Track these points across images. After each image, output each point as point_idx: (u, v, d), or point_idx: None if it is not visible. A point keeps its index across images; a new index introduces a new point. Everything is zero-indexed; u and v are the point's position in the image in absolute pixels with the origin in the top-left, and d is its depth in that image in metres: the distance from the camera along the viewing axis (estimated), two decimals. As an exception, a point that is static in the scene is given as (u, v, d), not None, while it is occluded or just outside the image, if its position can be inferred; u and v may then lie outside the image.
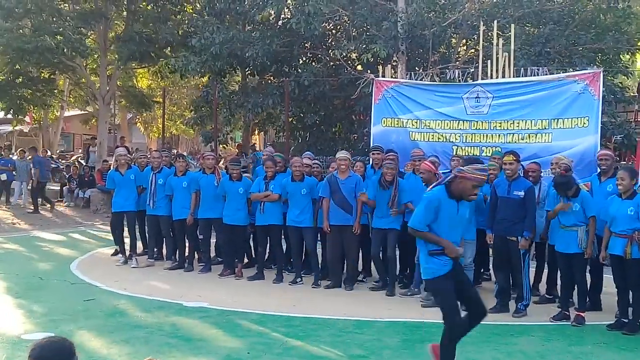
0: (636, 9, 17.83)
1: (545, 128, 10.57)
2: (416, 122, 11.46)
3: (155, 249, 11.50)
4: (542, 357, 6.56)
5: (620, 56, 17.57)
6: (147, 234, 11.57)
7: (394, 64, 15.51)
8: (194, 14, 20.14)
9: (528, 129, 10.69)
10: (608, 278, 8.05)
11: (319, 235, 10.14)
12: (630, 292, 7.47)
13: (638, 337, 7.19)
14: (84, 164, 23.56)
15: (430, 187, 5.81)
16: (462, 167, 5.54)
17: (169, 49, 21.20)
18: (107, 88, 22.81)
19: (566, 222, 7.76)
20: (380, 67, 13.36)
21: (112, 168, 12.00)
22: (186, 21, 20.39)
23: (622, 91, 16.41)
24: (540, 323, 7.79)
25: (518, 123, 10.78)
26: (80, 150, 36.38)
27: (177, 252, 11.18)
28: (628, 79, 20.28)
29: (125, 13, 22.40)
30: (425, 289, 7.99)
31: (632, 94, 19.23)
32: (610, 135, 14.45)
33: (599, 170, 8.58)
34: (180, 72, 18.00)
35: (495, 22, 12.77)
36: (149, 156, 12.25)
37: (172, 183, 10.92)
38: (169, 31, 19.71)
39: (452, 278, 5.53)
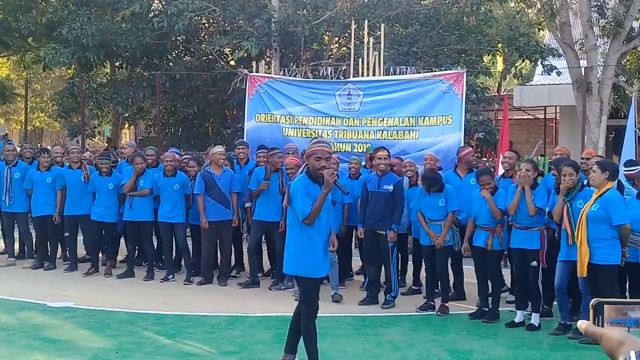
0: (496, 13, 18.77)
1: (412, 125, 10.87)
2: (289, 118, 11.52)
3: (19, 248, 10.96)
4: (410, 346, 6.81)
5: (482, 57, 18.48)
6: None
7: (267, 59, 15.53)
8: (58, 4, 19.20)
9: (396, 125, 10.95)
10: (469, 269, 8.45)
11: (188, 231, 10.03)
12: (490, 282, 7.90)
13: (497, 324, 7.61)
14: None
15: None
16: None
17: (31, 38, 20.14)
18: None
19: (431, 217, 8.08)
20: (254, 63, 13.34)
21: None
22: (50, 10, 19.42)
23: (483, 91, 17.27)
24: (407, 314, 8.07)
25: (387, 120, 11.02)
26: None
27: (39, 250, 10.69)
28: (489, 79, 21.41)
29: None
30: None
31: (492, 94, 20.29)
32: (473, 133, 15.16)
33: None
34: (45, 64, 17.17)
35: (366, 21, 13.06)
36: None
37: (33, 178, 10.43)
38: (32, 20, 18.71)
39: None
